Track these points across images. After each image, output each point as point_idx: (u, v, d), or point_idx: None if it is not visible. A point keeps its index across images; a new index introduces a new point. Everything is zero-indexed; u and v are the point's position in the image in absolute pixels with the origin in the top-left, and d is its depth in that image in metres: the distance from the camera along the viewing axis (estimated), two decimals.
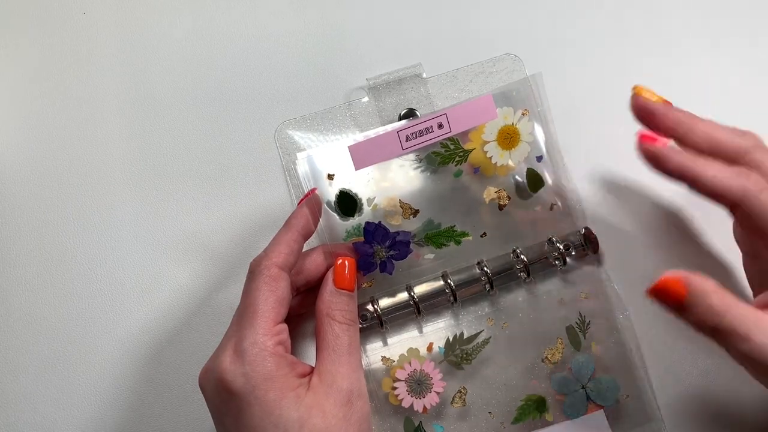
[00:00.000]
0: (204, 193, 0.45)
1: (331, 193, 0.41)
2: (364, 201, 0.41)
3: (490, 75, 0.44)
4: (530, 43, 0.47)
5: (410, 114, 0.44)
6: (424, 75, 0.44)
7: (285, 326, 0.36)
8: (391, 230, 0.40)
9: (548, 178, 0.42)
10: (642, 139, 0.35)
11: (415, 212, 0.41)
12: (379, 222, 0.40)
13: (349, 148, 0.39)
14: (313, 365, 0.36)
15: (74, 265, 0.44)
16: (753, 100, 0.46)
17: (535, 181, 0.41)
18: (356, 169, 0.39)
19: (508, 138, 0.40)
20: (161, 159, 0.46)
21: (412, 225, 0.41)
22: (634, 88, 0.36)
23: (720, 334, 0.32)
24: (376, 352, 0.41)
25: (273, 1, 0.49)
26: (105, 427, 0.42)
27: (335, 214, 0.41)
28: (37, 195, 0.45)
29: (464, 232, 0.41)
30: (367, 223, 0.40)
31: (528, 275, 0.41)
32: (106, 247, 0.44)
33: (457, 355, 0.41)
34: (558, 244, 0.41)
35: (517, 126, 0.40)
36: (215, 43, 0.48)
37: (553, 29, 0.48)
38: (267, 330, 0.34)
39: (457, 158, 0.41)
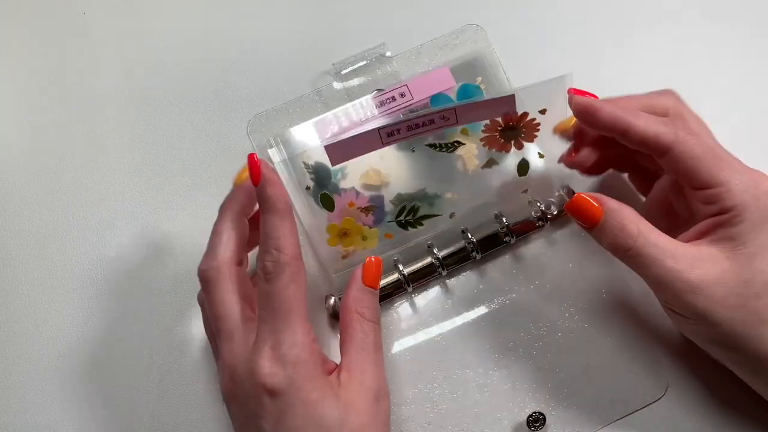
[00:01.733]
0: (186, 192, 0.45)
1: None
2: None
3: (455, 47, 0.44)
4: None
5: None
6: (389, 54, 0.45)
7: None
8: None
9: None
10: (573, 92, 0.36)
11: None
12: None
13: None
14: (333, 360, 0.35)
15: (74, 265, 0.44)
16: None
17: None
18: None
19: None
20: (159, 159, 0.46)
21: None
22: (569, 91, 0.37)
23: (632, 257, 0.33)
24: None
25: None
26: (107, 427, 0.41)
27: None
28: (37, 194, 0.46)
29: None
30: None
31: (512, 238, 0.42)
32: (105, 247, 0.44)
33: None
34: (539, 205, 0.42)
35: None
36: (196, 45, 0.49)
37: None
38: (304, 328, 0.33)
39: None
